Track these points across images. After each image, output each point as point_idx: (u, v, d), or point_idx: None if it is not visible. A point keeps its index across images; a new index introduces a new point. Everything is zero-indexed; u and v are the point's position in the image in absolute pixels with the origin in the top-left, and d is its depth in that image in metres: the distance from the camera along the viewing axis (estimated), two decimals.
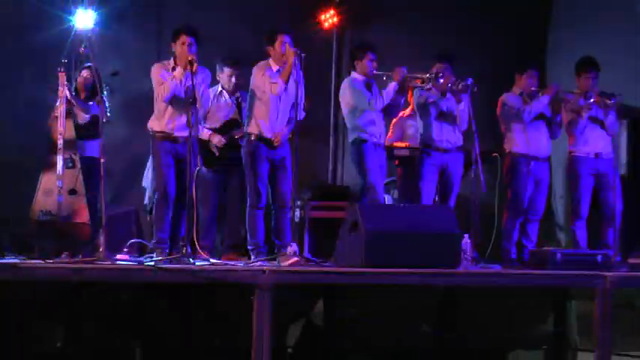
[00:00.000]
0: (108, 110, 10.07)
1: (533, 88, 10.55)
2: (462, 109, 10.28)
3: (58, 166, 9.45)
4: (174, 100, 9.54)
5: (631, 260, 9.61)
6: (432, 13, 12.75)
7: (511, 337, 10.23)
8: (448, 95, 10.29)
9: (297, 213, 10.47)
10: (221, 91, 10.41)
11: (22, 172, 10.08)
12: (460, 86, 10.15)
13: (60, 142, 9.50)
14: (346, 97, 10.32)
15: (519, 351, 10.59)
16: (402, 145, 10.86)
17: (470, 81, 10.08)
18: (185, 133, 9.44)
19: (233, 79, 10.35)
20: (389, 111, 10.38)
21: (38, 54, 10.77)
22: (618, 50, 11.50)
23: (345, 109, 10.39)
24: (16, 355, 8.59)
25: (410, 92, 10.60)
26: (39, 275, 8.09)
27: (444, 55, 10.52)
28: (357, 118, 10.19)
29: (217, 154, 10.26)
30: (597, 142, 10.56)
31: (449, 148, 10.36)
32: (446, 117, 10.38)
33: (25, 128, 10.87)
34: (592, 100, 10.46)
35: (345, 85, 10.41)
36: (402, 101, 10.45)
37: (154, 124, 9.68)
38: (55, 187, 9.38)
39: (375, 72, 10.27)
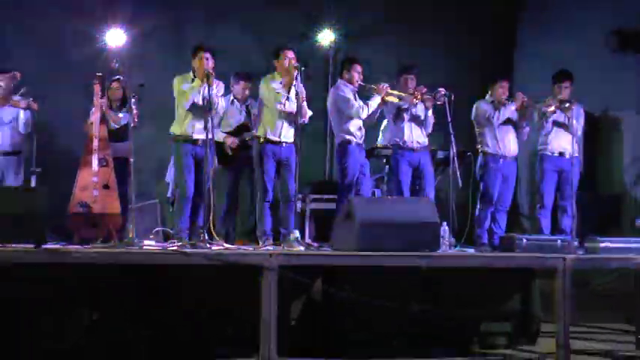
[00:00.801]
0: (135, 117, 10.14)
1: (503, 97, 10.62)
2: (430, 114, 10.38)
3: (93, 164, 9.54)
4: (193, 108, 9.59)
5: (586, 245, 9.66)
6: (414, 30, 12.81)
7: (484, 311, 10.28)
8: (418, 102, 10.37)
9: (299, 205, 10.52)
10: (233, 99, 10.49)
11: (62, 170, 10.15)
12: (437, 96, 10.21)
13: (95, 144, 9.60)
14: (334, 102, 10.29)
15: (491, 323, 10.66)
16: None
17: (443, 91, 10.17)
18: (202, 136, 9.49)
19: (246, 92, 10.45)
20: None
21: (76, 68, 10.80)
22: (578, 61, 11.50)
23: (332, 114, 10.35)
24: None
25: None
26: (77, 258, 8.18)
27: (408, 67, 10.58)
28: (344, 122, 10.19)
29: (230, 153, 10.33)
30: (561, 143, 10.61)
31: (419, 148, 10.39)
32: (416, 121, 10.41)
33: (64, 133, 10.94)
34: (552, 107, 10.54)
35: (333, 91, 10.37)
36: (378, 110, 10.49)
37: (176, 129, 9.73)
38: (90, 182, 9.47)
39: (360, 83, 10.32)
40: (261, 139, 9.79)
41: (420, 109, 10.38)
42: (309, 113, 9.86)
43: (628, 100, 11.81)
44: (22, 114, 10.11)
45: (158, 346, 8.88)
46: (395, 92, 10.28)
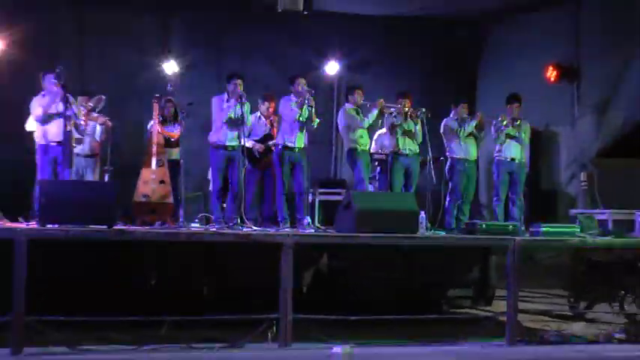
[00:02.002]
0: (184, 128, 10.19)
1: (465, 116, 10.64)
2: (418, 128, 10.39)
3: (152, 164, 9.57)
4: (227, 121, 9.65)
5: (531, 229, 9.68)
6: (400, 63, 12.81)
7: (451, 279, 10.29)
8: (409, 119, 10.39)
9: (310, 197, 10.55)
10: (260, 115, 10.51)
11: (129, 169, 10.19)
12: (418, 113, 10.26)
13: (154, 148, 9.65)
14: (342, 119, 10.34)
15: (457, 289, 10.68)
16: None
17: (423, 109, 10.22)
18: (234, 143, 9.55)
19: (270, 109, 10.48)
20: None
21: (140, 90, 10.83)
22: (526, 88, 11.48)
23: (341, 128, 10.39)
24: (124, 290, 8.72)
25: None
26: (139, 237, 8.25)
27: (404, 92, 10.58)
28: (351, 134, 10.25)
29: (258, 157, 10.36)
30: (512, 151, 10.59)
31: (410, 155, 10.42)
32: (407, 133, 10.42)
33: (130, 140, 10.97)
34: (504, 123, 10.57)
35: (341, 111, 10.42)
36: (382, 122, 10.52)
37: (213, 137, 9.76)
38: (150, 178, 9.50)
39: (361, 102, 10.35)
40: (280, 146, 9.85)
41: (411, 125, 10.40)
42: (317, 120, 9.89)
43: (563, 119, 11.83)
44: (98, 127, 10.17)
45: (204, 298, 8.98)
46: (389, 105, 10.33)
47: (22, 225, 8.23)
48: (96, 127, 10.18)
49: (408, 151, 10.39)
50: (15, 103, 9.95)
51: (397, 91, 10.67)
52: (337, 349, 8.04)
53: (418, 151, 10.44)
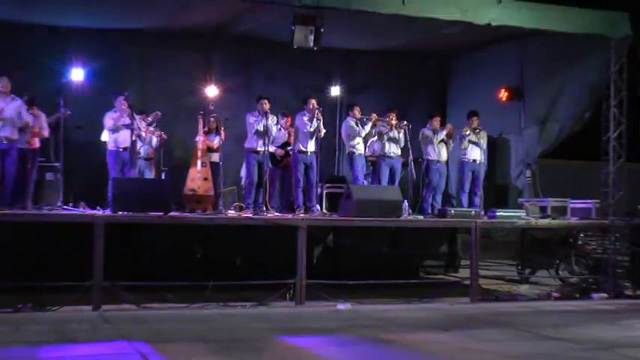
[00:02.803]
0: (223, 138, 10.18)
1: (437, 127, 10.60)
2: (401, 136, 10.39)
3: (198, 165, 9.60)
4: (257, 132, 9.67)
5: (489, 214, 9.67)
6: (389, 85, 12.72)
7: (426, 253, 10.32)
8: (394, 129, 10.38)
9: (319, 190, 10.55)
10: (280, 127, 10.49)
11: (179, 169, 10.20)
12: (401, 124, 10.25)
13: (199, 153, 9.68)
14: (345, 130, 10.33)
15: (430, 260, 10.70)
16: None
17: (405, 122, 10.23)
18: (262, 149, 9.57)
19: (288, 123, 10.47)
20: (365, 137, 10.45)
21: (187, 108, 10.78)
22: (484, 104, 11.43)
23: (344, 137, 10.37)
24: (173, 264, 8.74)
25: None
26: (188, 221, 8.29)
27: (391, 108, 10.55)
28: (350, 141, 10.24)
29: (279, 159, 10.36)
30: (474, 154, 10.56)
31: (394, 157, 10.37)
32: (393, 140, 10.39)
33: (181, 146, 10.95)
34: (467, 132, 10.55)
35: (344, 124, 10.41)
36: (375, 131, 10.50)
37: (247, 144, 9.82)
38: (196, 176, 9.54)
39: (359, 116, 10.34)
40: (296, 151, 9.85)
41: (396, 134, 10.38)
42: (324, 131, 9.90)
43: (513, 129, 11.77)
44: (154, 137, 10.18)
45: (238, 267, 9.00)
46: (380, 119, 10.32)
47: (100, 212, 8.28)
48: (152, 137, 10.19)
49: (392, 154, 10.38)
50: (93, 119, 9.96)
51: (388, 106, 10.66)
52: (340, 306, 8.15)
53: (400, 153, 10.43)
